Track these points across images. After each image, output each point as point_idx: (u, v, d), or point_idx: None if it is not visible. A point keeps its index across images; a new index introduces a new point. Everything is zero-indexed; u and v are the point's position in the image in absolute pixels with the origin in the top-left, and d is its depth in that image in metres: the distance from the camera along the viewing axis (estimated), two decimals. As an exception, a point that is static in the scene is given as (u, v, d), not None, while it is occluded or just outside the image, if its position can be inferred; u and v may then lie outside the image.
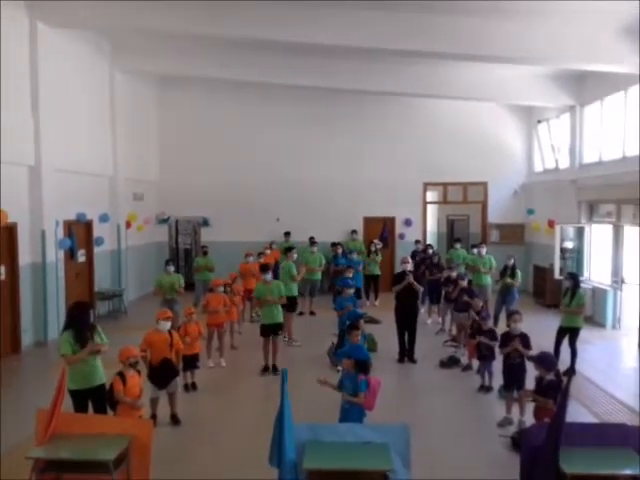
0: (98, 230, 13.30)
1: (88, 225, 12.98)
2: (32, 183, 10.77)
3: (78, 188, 12.42)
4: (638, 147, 11.38)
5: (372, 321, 12.04)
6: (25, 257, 10.60)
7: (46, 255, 10.92)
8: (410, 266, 10.23)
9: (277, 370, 9.08)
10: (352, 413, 5.72)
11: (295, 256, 11.74)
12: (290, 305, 10.81)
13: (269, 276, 9.47)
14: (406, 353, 9.94)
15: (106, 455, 4.60)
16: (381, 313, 12.50)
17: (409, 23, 10.32)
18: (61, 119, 11.52)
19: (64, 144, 11.55)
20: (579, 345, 9.30)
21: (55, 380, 5.06)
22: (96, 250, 13.28)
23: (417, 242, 15.56)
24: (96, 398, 6.04)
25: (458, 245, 14.40)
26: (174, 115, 17.16)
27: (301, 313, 12.84)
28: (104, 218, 13.44)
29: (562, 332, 9.28)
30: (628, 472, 4.54)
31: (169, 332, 7.21)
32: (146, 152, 16.50)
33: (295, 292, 11.40)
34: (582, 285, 10.01)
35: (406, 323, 9.94)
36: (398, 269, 12.00)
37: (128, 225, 14.71)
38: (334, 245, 15.24)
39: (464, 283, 10.78)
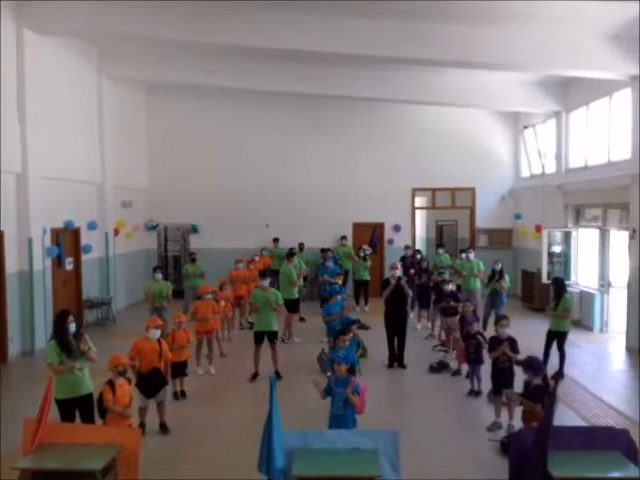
0: (86, 238, 13.22)
1: (76, 233, 12.90)
2: (19, 190, 10.70)
3: (65, 195, 12.35)
4: (623, 152, 11.52)
5: (362, 327, 12.02)
6: (12, 265, 10.51)
7: (33, 263, 10.84)
8: (399, 272, 10.24)
9: (280, 376, 8.98)
10: (346, 418, 5.70)
11: (295, 261, 12.11)
12: (292, 306, 11.66)
13: (267, 282, 9.43)
14: (395, 358, 9.95)
15: (94, 465, 4.56)
16: (371, 319, 12.51)
17: (397, 30, 10.40)
18: (48, 126, 11.47)
19: (51, 151, 11.49)
20: (567, 348, 9.37)
21: (42, 389, 5.02)
22: (84, 258, 13.20)
23: (407, 247, 15.61)
24: (83, 407, 6.00)
25: (441, 250, 14.49)
26: (162, 122, 17.11)
27: (302, 319, 12.80)
28: (92, 226, 13.38)
29: (551, 336, 9.34)
30: (616, 475, 4.58)
31: (158, 341, 7.17)
32: (134, 159, 16.45)
33: (296, 295, 11.94)
34: (569, 289, 10.10)
35: (396, 328, 9.95)
36: (388, 274, 12.04)
37: (116, 232, 14.64)
38: (323, 251, 15.26)
39: (449, 288, 10.81)
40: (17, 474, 4.62)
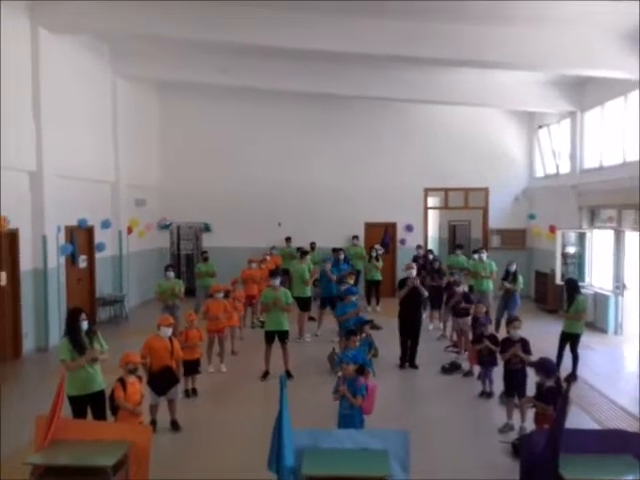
0: (99, 236, 13.33)
1: (89, 231, 13.01)
2: (33, 189, 10.80)
3: (79, 194, 12.46)
4: (638, 152, 11.38)
5: (374, 327, 11.99)
6: (27, 263, 10.61)
7: (47, 261, 10.94)
8: (415, 272, 10.20)
9: (291, 375, 9.02)
10: (353, 418, 5.71)
11: (308, 260, 12.33)
12: (304, 305, 11.87)
13: (277, 282, 9.47)
14: (407, 359, 9.91)
15: (105, 461, 4.59)
16: (382, 319, 12.48)
17: (409, 30, 10.37)
18: (62, 124, 11.56)
19: (65, 150, 11.58)
20: (581, 351, 9.28)
21: (55, 386, 5.06)
22: (97, 256, 13.31)
23: (419, 247, 15.54)
24: (95, 404, 6.04)
25: (459, 251, 14.37)
26: (175, 120, 17.21)
27: (312, 318, 12.80)
28: (106, 224, 13.48)
29: (564, 338, 9.26)
30: (628, 479, 4.52)
31: (170, 339, 7.20)
32: (148, 158, 16.55)
33: (308, 293, 12.04)
34: (582, 290, 10.00)
35: (410, 329, 9.89)
36: (401, 275, 12.00)
37: (129, 231, 14.74)
38: (335, 251, 15.19)
39: (462, 289, 10.75)
40: (29, 469, 4.66)
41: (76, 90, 12.48)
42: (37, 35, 10.67)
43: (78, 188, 12.35)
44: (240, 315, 11.65)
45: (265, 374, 9.20)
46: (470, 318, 9.82)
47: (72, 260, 12.19)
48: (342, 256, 14.38)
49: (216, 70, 13.79)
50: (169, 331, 7.19)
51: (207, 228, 17.42)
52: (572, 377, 8.98)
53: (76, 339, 5.98)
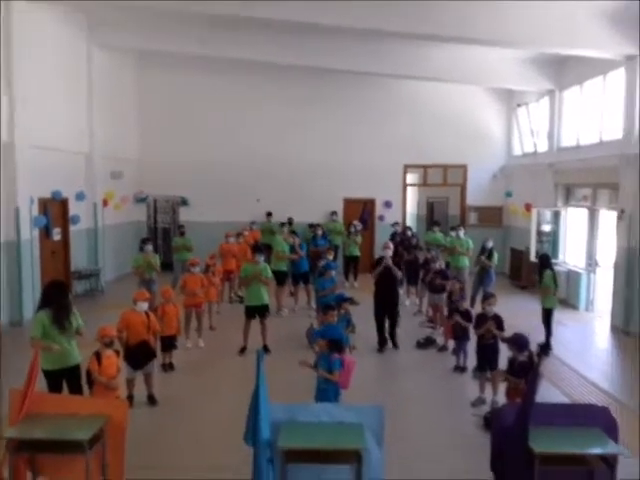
0: (74, 208, 13.11)
1: (64, 203, 12.78)
2: (6, 159, 10.53)
3: (53, 165, 12.18)
4: (615, 132, 11.51)
5: (352, 303, 12.06)
6: (-1, 235, 10.43)
7: (20, 233, 10.76)
8: (391, 252, 9.98)
9: (268, 350, 9.04)
10: (328, 392, 5.83)
11: (285, 231, 12.65)
12: (280, 279, 11.87)
13: (262, 258, 9.41)
14: (386, 341, 9.76)
15: (81, 435, 4.57)
16: (360, 294, 12.55)
17: (391, 5, 10.22)
18: (36, 94, 11.25)
19: (39, 120, 11.30)
20: (552, 326, 9.49)
21: (29, 360, 5.01)
22: (72, 229, 13.10)
23: (395, 224, 15.60)
24: (71, 378, 6.01)
25: (436, 228, 14.43)
26: (154, 92, 16.85)
27: (291, 293, 12.82)
28: (80, 196, 13.26)
29: (543, 311, 9.56)
30: (596, 451, 4.66)
31: (146, 313, 7.17)
32: (125, 130, 16.23)
33: (284, 267, 12.07)
34: (556, 267, 10.19)
35: (386, 309, 9.74)
36: (378, 251, 12.01)
37: (105, 203, 14.53)
38: (312, 226, 15.17)
39: (438, 265, 10.84)
40: (3, 444, 4.63)
41: (51, 59, 12.14)
42: (9, 4, 10.32)
43: (52, 159, 12.08)
44: (218, 290, 11.62)
45: (243, 349, 9.23)
46: (446, 294, 9.95)
47: (46, 233, 11.98)
48: (320, 232, 14.40)
49: (196, 41, 13.52)
50: (145, 305, 7.17)
51: (184, 202, 17.25)
52: (546, 350, 9.20)
53: (59, 315, 5.88)
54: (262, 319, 9.27)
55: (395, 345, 9.82)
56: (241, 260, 12.45)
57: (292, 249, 12.36)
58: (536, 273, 9.62)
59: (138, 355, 7.02)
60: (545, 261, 9.69)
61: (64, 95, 12.76)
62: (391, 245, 10.38)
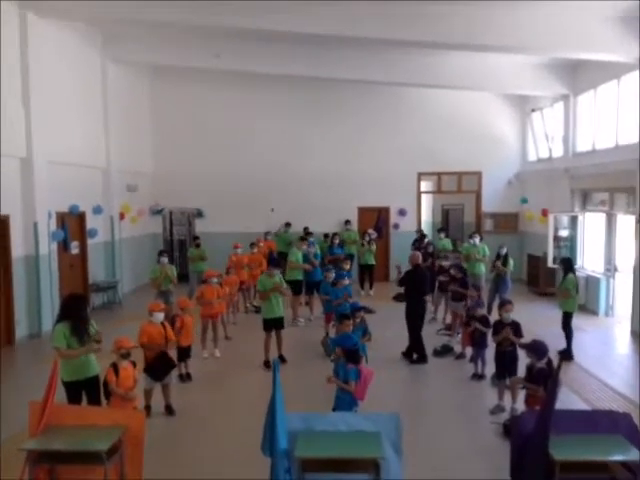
0: (91, 222, 13.27)
1: (81, 217, 12.94)
2: (24, 175, 10.73)
3: (70, 180, 12.36)
4: (631, 136, 11.39)
5: (367, 311, 12.03)
6: (18, 249, 10.57)
7: (39, 247, 10.90)
8: (420, 258, 9.70)
9: (284, 360, 8.98)
10: (343, 401, 5.81)
11: (304, 245, 12.35)
12: (295, 289, 11.77)
13: (278, 270, 9.34)
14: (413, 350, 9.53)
15: (99, 446, 4.60)
16: (376, 303, 12.53)
17: (403, 13, 10.27)
18: (53, 110, 11.45)
19: (56, 135, 11.49)
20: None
21: (49, 372, 5.06)
22: (90, 242, 13.25)
23: (419, 232, 15.61)
24: (90, 389, 6.04)
25: (442, 235, 14.38)
26: (168, 105, 17.06)
27: (306, 303, 12.79)
28: (97, 210, 13.41)
29: (562, 316, 9.49)
30: (617, 458, 4.58)
31: (162, 324, 7.21)
32: (139, 143, 16.43)
33: (300, 277, 11.97)
34: (576, 271, 10.10)
35: (415, 320, 9.46)
36: (393, 259, 11.97)
37: (122, 217, 14.68)
38: (327, 236, 15.20)
39: (458, 274, 10.74)
40: (24, 455, 4.67)
41: (66, 75, 12.35)
42: (25, 19, 10.54)
43: (69, 174, 12.26)
44: (233, 300, 11.66)
45: (267, 363, 8.95)
46: (465, 301, 9.89)
47: (64, 246, 12.14)
48: (337, 241, 14.43)
49: (209, 54, 13.67)
50: (161, 316, 7.21)
51: (200, 213, 17.36)
52: (566, 355, 9.09)
53: (78, 326, 5.94)
54: (278, 331, 9.19)
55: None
56: (255, 269, 12.50)
57: (306, 258, 12.35)
58: (562, 276, 9.50)
59: (159, 366, 7.06)
60: (568, 265, 9.57)
61: (79, 110, 12.95)
62: (420, 256, 9.91)
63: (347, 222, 16.38)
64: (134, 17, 10.59)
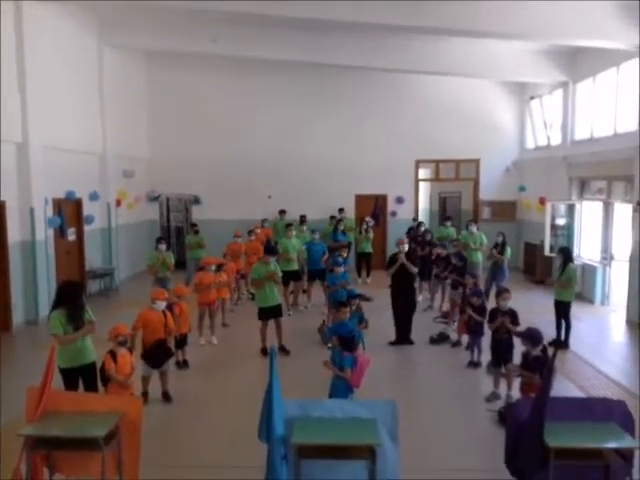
0: (88, 208, 13.22)
1: (78, 203, 12.89)
2: (20, 160, 10.67)
3: (67, 166, 12.29)
4: (630, 124, 11.37)
5: (364, 299, 12.04)
6: (14, 235, 10.54)
7: (35, 233, 10.86)
8: (406, 247, 9.78)
9: (286, 350, 8.92)
10: (339, 388, 5.85)
11: (294, 233, 12.24)
12: (295, 276, 11.85)
13: (273, 258, 9.29)
14: (402, 337, 9.68)
15: (97, 432, 4.61)
16: (373, 291, 12.54)
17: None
18: (49, 95, 11.36)
19: (52, 121, 11.41)
20: (568, 320, 9.44)
21: (45, 358, 5.06)
22: (86, 228, 13.21)
23: (414, 220, 15.59)
24: (86, 376, 6.06)
25: (448, 223, 14.38)
26: (165, 91, 16.92)
27: (304, 291, 12.77)
28: (94, 196, 13.36)
29: (556, 305, 9.47)
30: (612, 446, 4.62)
31: (163, 312, 7.20)
32: (136, 129, 16.34)
33: (295, 266, 11.89)
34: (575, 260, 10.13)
35: (404, 306, 9.64)
36: (392, 247, 11.92)
37: (118, 203, 14.63)
38: (333, 217, 15.29)
39: (459, 262, 10.74)
40: (21, 441, 4.69)
41: (62, 60, 12.23)
42: (21, 4, 10.40)
43: (65, 159, 12.18)
44: (231, 288, 11.67)
45: (263, 350, 8.91)
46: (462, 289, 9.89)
47: (60, 233, 12.09)
48: (342, 227, 14.45)
49: (207, 39, 13.54)
50: (163, 304, 7.21)
51: (197, 200, 17.32)
52: (564, 345, 9.13)
53: (74, 313, 5.95)
54: (277, 319, 9.09)
55: (408, 341, 9.77)
56: (252, 257, 12.48)
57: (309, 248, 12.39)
58: (560, 266, 9.50)
59: (157, 354, 7.06)
60: (567, 254, 9.58)
61: (76, 95, 12.84)
62: (406, 241, 10.12)
63: (341, 210, 16.28)
64: (131, 0, 10.48)
